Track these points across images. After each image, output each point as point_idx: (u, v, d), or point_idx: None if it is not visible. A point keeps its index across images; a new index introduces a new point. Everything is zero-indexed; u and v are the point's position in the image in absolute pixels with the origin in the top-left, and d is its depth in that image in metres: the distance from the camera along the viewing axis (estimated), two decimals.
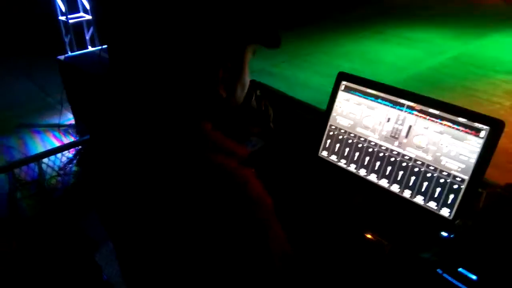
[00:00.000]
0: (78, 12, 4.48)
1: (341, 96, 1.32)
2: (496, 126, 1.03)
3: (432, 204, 1.12)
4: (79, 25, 4.44)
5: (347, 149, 1.30)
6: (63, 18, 4.37)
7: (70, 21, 4.31)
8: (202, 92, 0.73)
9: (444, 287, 0.75)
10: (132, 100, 0.77)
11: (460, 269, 0.74)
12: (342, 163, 1.31)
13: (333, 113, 1.34)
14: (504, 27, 7.65)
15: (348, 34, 7.59)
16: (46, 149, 3.98)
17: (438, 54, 6.43)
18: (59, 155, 4.05)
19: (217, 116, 0.78)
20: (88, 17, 4.43)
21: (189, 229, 0.66)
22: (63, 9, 4.32)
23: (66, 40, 4.43)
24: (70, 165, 4.13)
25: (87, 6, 4.40)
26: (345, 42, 7.12)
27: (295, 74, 5.84)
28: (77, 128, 4.30)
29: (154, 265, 0.74)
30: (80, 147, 4.14)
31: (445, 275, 0.75)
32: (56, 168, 4.02)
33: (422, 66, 6.03)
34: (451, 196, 1.09)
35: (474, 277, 0.70)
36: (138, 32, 0.71)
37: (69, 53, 4.24)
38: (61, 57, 4.03)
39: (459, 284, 0.71)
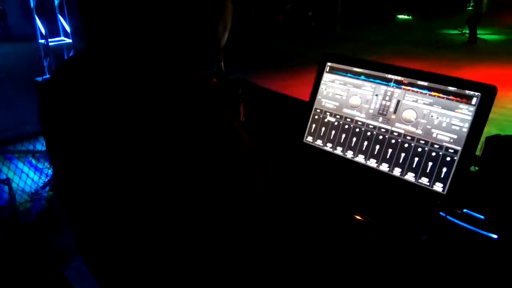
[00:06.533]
0: (59, 36, 4.45)
1: (326, 77, 1.28)
2: (488, 92, 0.99)
3: (424, 180, 1.06)
4: (59, 49, 4.40)
5: (333, 132, 1.25)
6: (43, 41, 4.33)
7: (50, 43, 4.27)
8: (180, 24, 0.68)
9: (449, 231, 0.68)
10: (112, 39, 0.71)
11: (465, 210, 0.67)
12: (328, 147, 1.25)
13: (318, 96, 1.29)
14: (476, 62, 7.96)
15: None
16: (20, 175, 3.83)
17: None
18: (36, 178, 3.89)
19: (198, 54, 0.73)
20: (69, 40, 4.40)
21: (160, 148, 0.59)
22: (44, 32, 4.28)
23: (46, 63, 4.37)
24: (44, 190, 3.97)
25: (68, 30, 4.38)
26: None
27: None
28: None
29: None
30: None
31: (449, 217, 0.67)
32: (29, 193, 3.85)
33: None
34: (444, 170, 1.03)
35: (481, 216, 0.64)
36: None
37: (48, 75, 4.18)
38: (39, 79, 3.96)
39: (466, 225, 0.64)
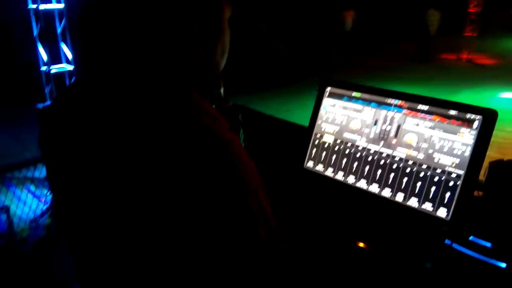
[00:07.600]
0: (61, 63, 4.50)
1: (326, 102, 1.27)
2: (489, 116, 0.99)
3: (427, 206, 1.04)
4: (60, 76, 4.44)
5: (333, 157, 1.23)
6: (44, 68, 4.37)
7: (52, 71, 4.31)
8: (180, 49, 0.67)
9: (455, 260, 0.65)
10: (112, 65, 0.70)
11: (471, 238, 0.65)
12: (329, 172, 1.24)
13: (318, 121, 1.28)
14: (473, 86, 8.11)
15: None
16: (18, 202, 3.81)
17: None
18: (34, 205, 3.85)
19: (198, 79, 0.73)
20: (70, 67, 4.44)
21: (171, 188, 0.57)
22: (45, 59, 4.33)
23: (47, 90, 4.40)
24: (42, 218, 3.92)
25: (70, 57, 4.42)
26: None
27: None
28: None
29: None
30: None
31: (455, 245, 0.65)
32: (28, 221, 3.80)
33: None
34: (447, 195, 1.01)
35: (488, 244, 0.61)
36: None
37: (49, 102, 4.19)
38: (40, 106, 3.98)
39: (472, 253, 0.62)
